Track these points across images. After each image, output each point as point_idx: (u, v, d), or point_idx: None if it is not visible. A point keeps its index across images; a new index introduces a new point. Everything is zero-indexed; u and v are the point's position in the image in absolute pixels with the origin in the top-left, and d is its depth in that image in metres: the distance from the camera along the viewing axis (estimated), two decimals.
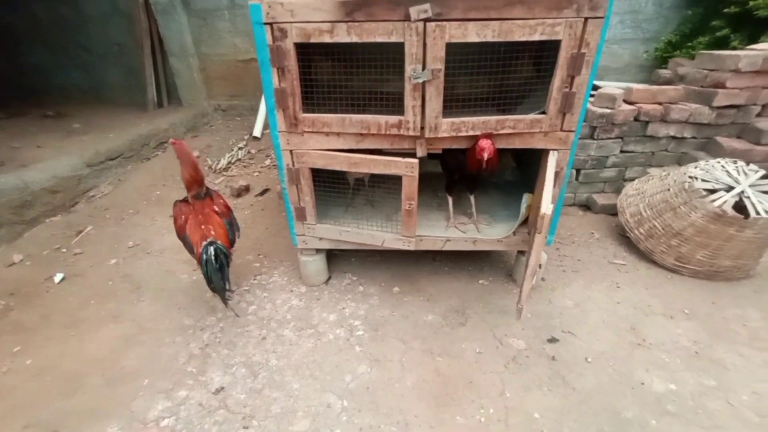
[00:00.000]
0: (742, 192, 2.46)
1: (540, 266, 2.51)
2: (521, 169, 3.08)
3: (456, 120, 1.96)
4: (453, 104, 2.01)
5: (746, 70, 2.96)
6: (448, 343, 2.25)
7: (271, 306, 2.56)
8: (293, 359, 2.16)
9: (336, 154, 2.10)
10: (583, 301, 2.52)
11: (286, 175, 2.23)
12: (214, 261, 2.11)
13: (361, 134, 2.07)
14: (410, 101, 1.89)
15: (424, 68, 1.80)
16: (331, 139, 2.11)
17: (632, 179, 3.41)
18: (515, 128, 2.00)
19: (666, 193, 2.74)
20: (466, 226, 2.55)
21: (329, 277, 2.78)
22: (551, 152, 2.07)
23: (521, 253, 2.57)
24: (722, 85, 3.07)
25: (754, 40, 3.52)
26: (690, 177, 2.60)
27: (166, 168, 4.40)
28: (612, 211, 3.39)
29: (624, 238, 3.14)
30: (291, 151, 2.15)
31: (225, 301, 2.28)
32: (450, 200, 2.53)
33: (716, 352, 2.14)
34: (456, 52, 1.85)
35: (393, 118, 1.97)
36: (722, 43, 3.76)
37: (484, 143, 1.93)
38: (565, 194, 2.29)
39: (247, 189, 4.03)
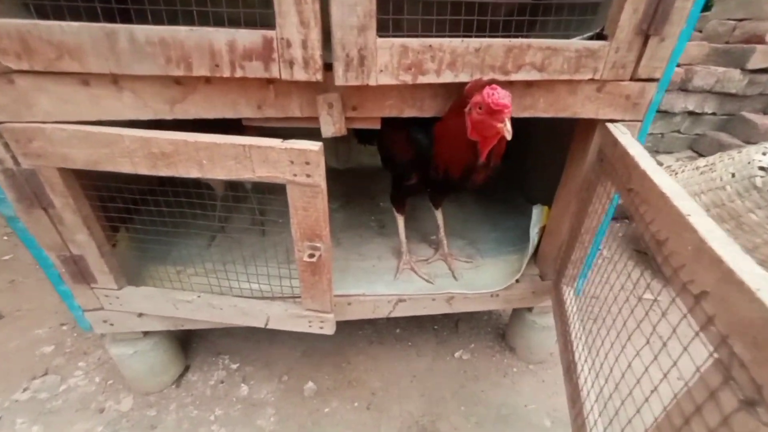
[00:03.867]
0: None
1: None
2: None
3: (412, 42, 0.79)
4: (399, 16, 0.84)
5: None
6: None
7: None
8: None
9: (114, 133, 0.82)
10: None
11: (7, 189, 0.91)
12: None
13: (175, 80, 0.82)
14: None
15: None
16: (102, 95, 0.83)
17: None
18: (543, 68, 0.88)
19: (718, 193, 1.81)
20: (431, 264, 1.41)
21: (185, 369, 1.50)
22: (604, 127, 0.98)
23: (529, 310, 1.48)
24: (761, 40, 2.22)
25: None
26: (763, 168, 1.68)
27: None
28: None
29: (641, 255, 2.22)
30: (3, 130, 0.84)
31: None
32: (400, 221, 1.37)
33: None
34: None
35: (251, 36, 0.75)
36: None
37: (499, 96, 0.78)
38: (616, 205, 1.21)
39: None
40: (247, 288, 1.11)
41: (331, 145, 2.03)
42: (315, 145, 0.77)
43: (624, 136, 0.90)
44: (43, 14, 0.81)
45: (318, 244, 0.91)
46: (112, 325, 1.19)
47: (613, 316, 0.97)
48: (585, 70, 0.91)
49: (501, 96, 0.75)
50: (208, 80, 0.84)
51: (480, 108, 0.79)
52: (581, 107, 0.98)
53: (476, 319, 1.78)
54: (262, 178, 0.83)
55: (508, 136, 0.77)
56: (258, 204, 1.57)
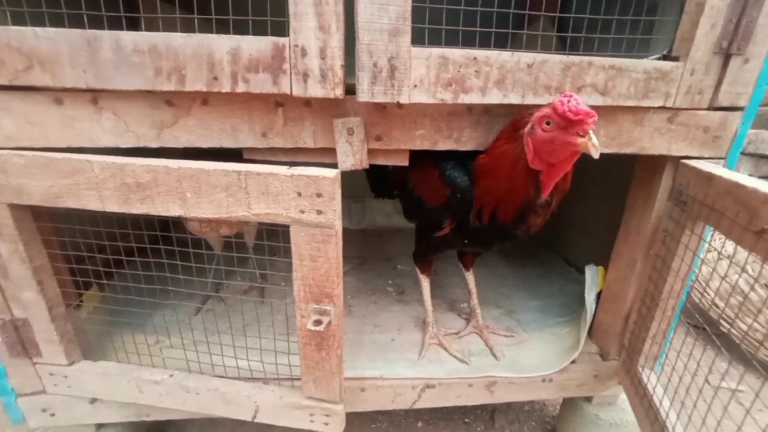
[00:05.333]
0: None
1: None
2: None
3: (454, 53, 0.65)
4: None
5: None
6: None
7: None
8: None
9: (81, 159, 0.66)
10: None
11: None
12: None
13: (166, 99, 0.68)
14: None
15: None
16: (76, 116, 0.69)
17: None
18: (606, 91, 0.73)
19: None
20: (463, 338, 1.15)
21: None
22: (680, 165, 0.81)
23: (588, 399, 1.17)
24: None
25: None
26: None
27: None
28: None
29: (700, 331, 1.89)
30: None
31: None
32: (425, 285, 1.13)
33: None
34: None
35: (259, 43, 0.62)
36: None
37: (577, 102, 0.60)
38: (699, 266, 0.97)
39: None
40: (234, 367, 0.86)
41: (343, 204, 1.88)
42: (330, 172, 0.60)
43: (718, 167, 0.71)
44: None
45: (327, 307, 0.69)
46: (53, 415, 0.92)
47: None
48: (655, 95, 0.76)
49: (579, 102, 0.59)
50: (204, 100, 0.70)
51: (548, 123, 0.62)
52: (649, 141, 0.81)
53: (516, 410, 1.44)
54: (260, 216, 0.64)
55: (596, 154, 0.58)
56: (259, 266, 1.37)
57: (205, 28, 0.66)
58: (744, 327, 1.58)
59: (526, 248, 1.77)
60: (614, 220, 1.08)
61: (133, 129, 0.70)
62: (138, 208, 0.67)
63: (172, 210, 0.66)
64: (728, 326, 1.58)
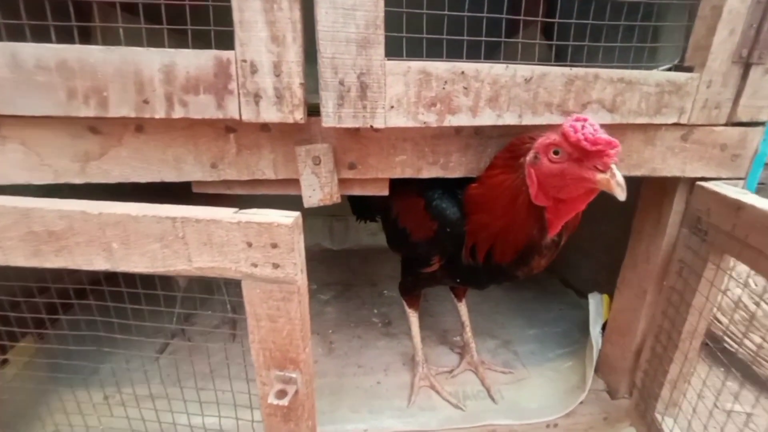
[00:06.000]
0: None
1: None
2: None
3: (437, 67, 0.54)
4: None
5: None
6: None
7: None
8: None
9: None
10: None
11: None
12: None
13: (90, 126, 0.56)
14: None
15: None
16: None
17: None
18: (614, 108, 0.63)
19: None
20: (457, 377, 1.03)
21: None
22: (696, 187, 0.71)
23: None
24: None
25: None
26: None
27: None
28: None
29: (703, 348, 1.81)
30: None
31: None
32: (413, 320, 1.02)
33: None
34: None
35: (198, 58, 0.51)
36: None
37: (594, 129, 0.49)
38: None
39: None
40: (186, 425, 0.73)
41: (325, 222, 1.76)
42: (287, 217, 0.48)
43: (747, 194, 0.61)
44: None
45: (293, 374, 0.56)
46: None
47: None
48: (668, 111, 0.66)
49: (596, 128, 0.48)
50: (139, 127, 0.57)
51: (556, 153, 0.51)
52: (661, 162, 0.72)
53: None
54: (204, 271, 0.51)
55: (622, 196, 0.47)
56: (230, 298, 1.23)
57: (179, 43, 0.54)
58: (752, 346, 1.49)
59: None
60: (615, 240, 0.98)
61: (49, 162, 0.57)
62: (53, 261, 0.54)
63: (96, 263, 0.53)
64: (735, 345, 1.50)
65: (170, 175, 0.61)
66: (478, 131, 0.65)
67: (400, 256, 0.95)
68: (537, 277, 1.54)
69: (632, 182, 0.86)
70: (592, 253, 1.30)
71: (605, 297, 1.00)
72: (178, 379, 0.72)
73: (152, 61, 0.50)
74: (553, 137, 0.52)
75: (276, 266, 0.49)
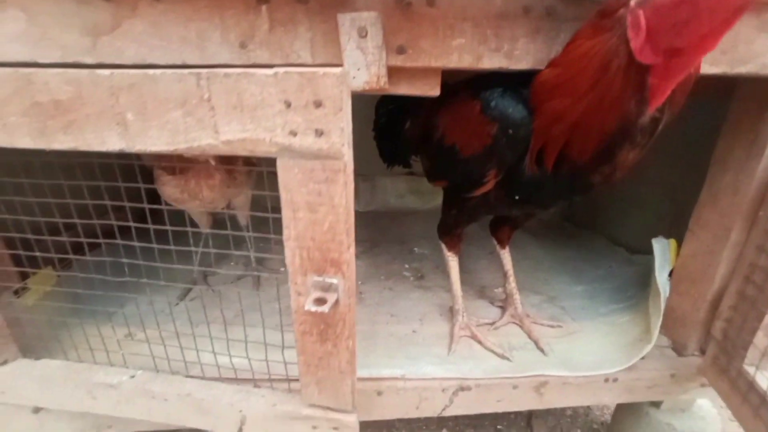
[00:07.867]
0: None
1: None
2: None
3: None
4: None
5: None
6: None
7: None
8: None
9: None
10: None
11: None
12: None
13: None
14: None
15: None
16: None
17: None
18: None
19: None
20: (499, 330, 0.94)
21: None
22: None
23: (655, 404, 0.95)
24: None
25: None
26: None
27: None
28: None
29: None
30: None
31: None
32: (453, 264, 0.93)
33: None
34: None
35: None
36: None
37: None
38: None
39: None
40: (213, 365, 0.66)
41: None
42: (334, 68, 0.39)
43: None
44: None
45: (333, 280, 0.48)
46: None
47: None
48: None
49: None
50: None
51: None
52: None
53: (556, 415, 1.23)
54: (233, 145, 0.43)
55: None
56: (255, 246, 1.16)
57: None
58: None
59: (558, 229, 1.55)
60: (675, 185, 0.86)
61: (53, 36, 0.50)
62: (62, 141, 0.47)
63: (110, 142, 0.46)
64: None
65: (193, 56, 0.53)
66: (549, 11, 0.55)
67: (442, 186, 0.85)
68: (580, 238, 1.44)
69: (700, 109, 0.73)
70: (648, 202, 1.17)
71: (672, 241, 0.89)
72: (205, 318, 0.66)
73: None
74: None
75: (320, 133, 0.40)
